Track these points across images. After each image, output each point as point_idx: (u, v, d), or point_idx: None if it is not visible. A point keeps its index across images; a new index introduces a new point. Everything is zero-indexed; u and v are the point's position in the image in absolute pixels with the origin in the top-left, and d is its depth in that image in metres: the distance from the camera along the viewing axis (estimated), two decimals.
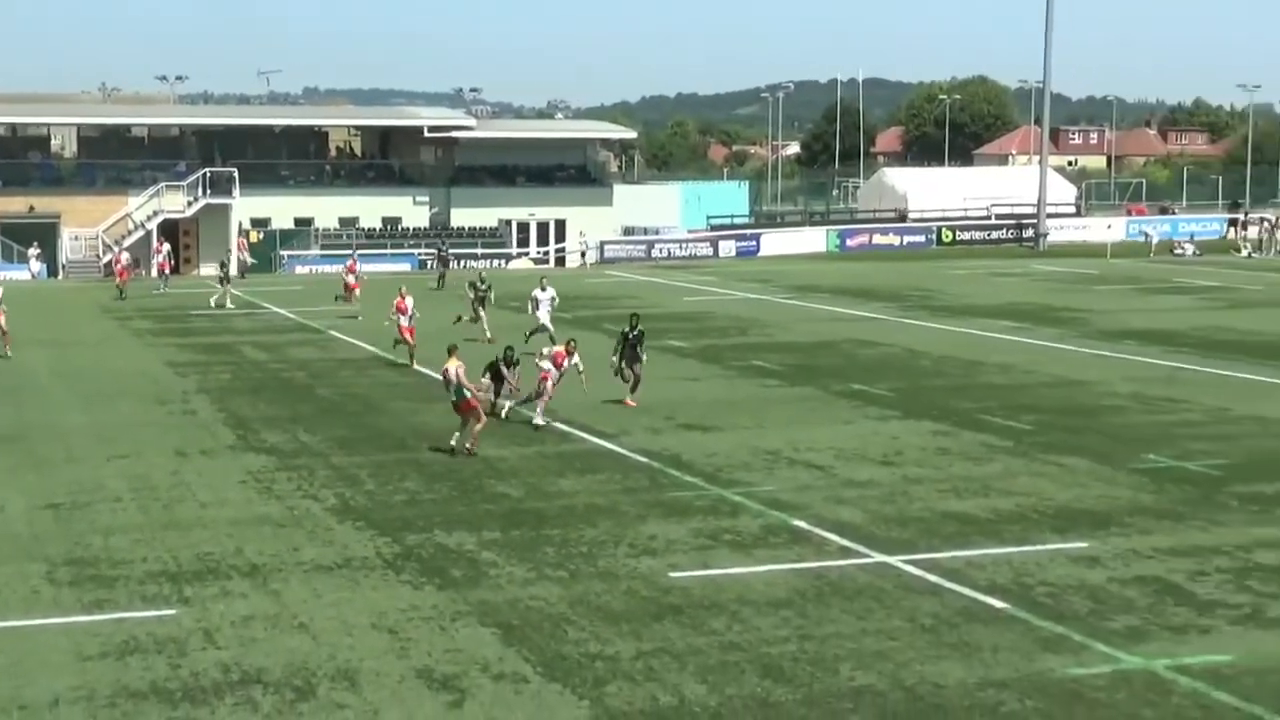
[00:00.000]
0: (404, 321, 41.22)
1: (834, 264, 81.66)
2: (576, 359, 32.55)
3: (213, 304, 58.65)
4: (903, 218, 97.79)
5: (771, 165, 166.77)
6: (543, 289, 43.82)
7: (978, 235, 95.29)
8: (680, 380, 38.34)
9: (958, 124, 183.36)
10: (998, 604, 19.22)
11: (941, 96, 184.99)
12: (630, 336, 34.51)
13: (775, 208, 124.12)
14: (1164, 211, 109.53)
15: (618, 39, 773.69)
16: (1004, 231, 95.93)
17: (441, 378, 29.26)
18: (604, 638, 17.98)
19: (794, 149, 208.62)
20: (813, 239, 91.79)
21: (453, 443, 28.71)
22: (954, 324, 51.25)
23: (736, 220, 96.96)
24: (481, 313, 46.20)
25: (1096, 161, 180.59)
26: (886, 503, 24.90)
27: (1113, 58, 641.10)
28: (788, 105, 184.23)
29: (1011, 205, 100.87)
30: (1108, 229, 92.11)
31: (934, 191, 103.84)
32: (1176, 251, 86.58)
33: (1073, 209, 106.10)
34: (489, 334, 44.58)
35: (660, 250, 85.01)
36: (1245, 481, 26.32)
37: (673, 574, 20.67)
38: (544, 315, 43.44)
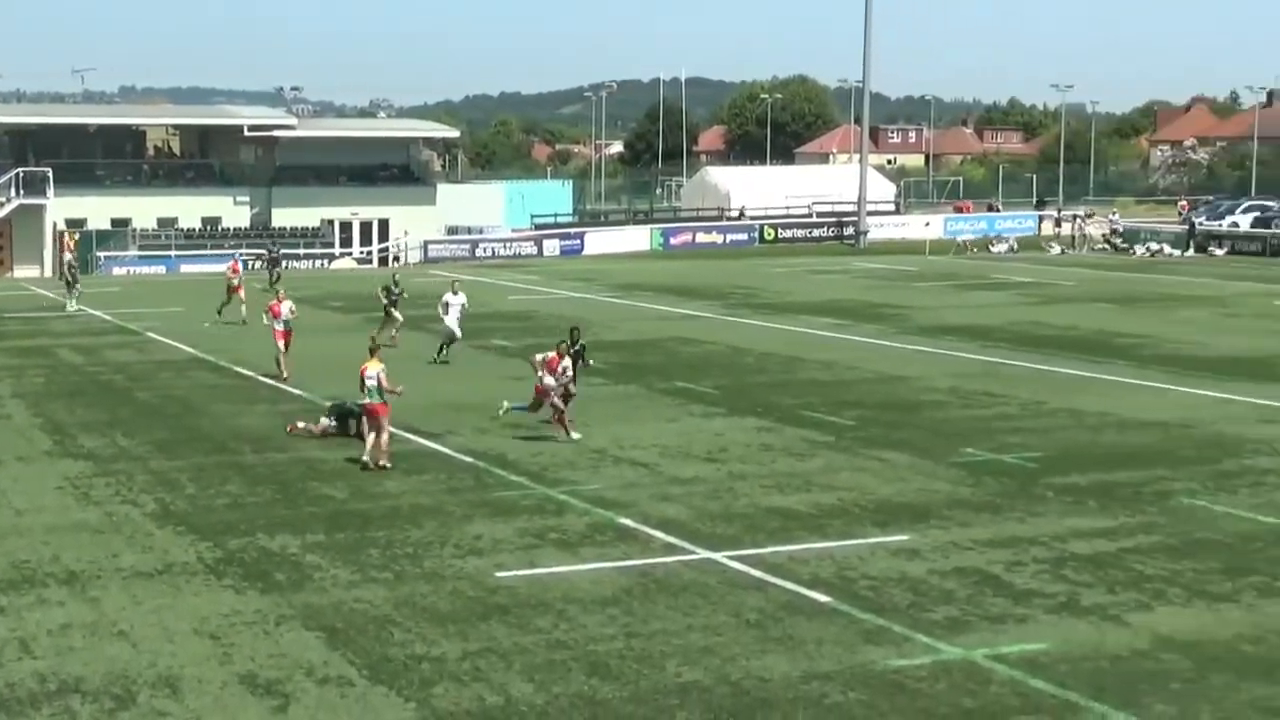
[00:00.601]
0: (278, 326, 38.99)
1: (658, 262, 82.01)
2: (567, 362, 30.19)
3: (70, 308, 57.47)
4: (742, 214, 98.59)
5: (595, 164, 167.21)
6: (454, 293, 41.74)
7: (800, 233, 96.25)
8: (506, 380, 38.20)
9: (779, 123, 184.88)
10: (821, 598, 19.43)
11: (763, 96, 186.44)
12: (572, 353, 30.99)
13: (599, 206, 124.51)
14: (990, 209, 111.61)
15: (441, 38, 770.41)
16: (825, 229, 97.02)
17: (359, 377, 27.73)
18: (430, 639, 17.88)
19: (617, 148, 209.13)
20: (636, 238, 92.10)
21: (365, 457, 27.48)
22: (776, 321, 51.71)
23: (560, 219, 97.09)
24: (395, 315, 44.94)
25: (915, 160, 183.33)
26: (711, 499, 25.05)
27: (930, 58, 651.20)
28: (611, 104, 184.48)
29: (832, 203, 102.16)
30: (926, 226, 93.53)
31: (756, 190, 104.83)
32: (994, 249, 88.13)
33: (892, 207, 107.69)
34: (395, 338, 43.51)
35: (484, 249, 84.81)
36: (1060, 473, 26.87)
37: (499, 574, 20.62)
38: (453, 322, 41.35)
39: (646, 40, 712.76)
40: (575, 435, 29.78)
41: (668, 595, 19.58)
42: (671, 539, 22.44)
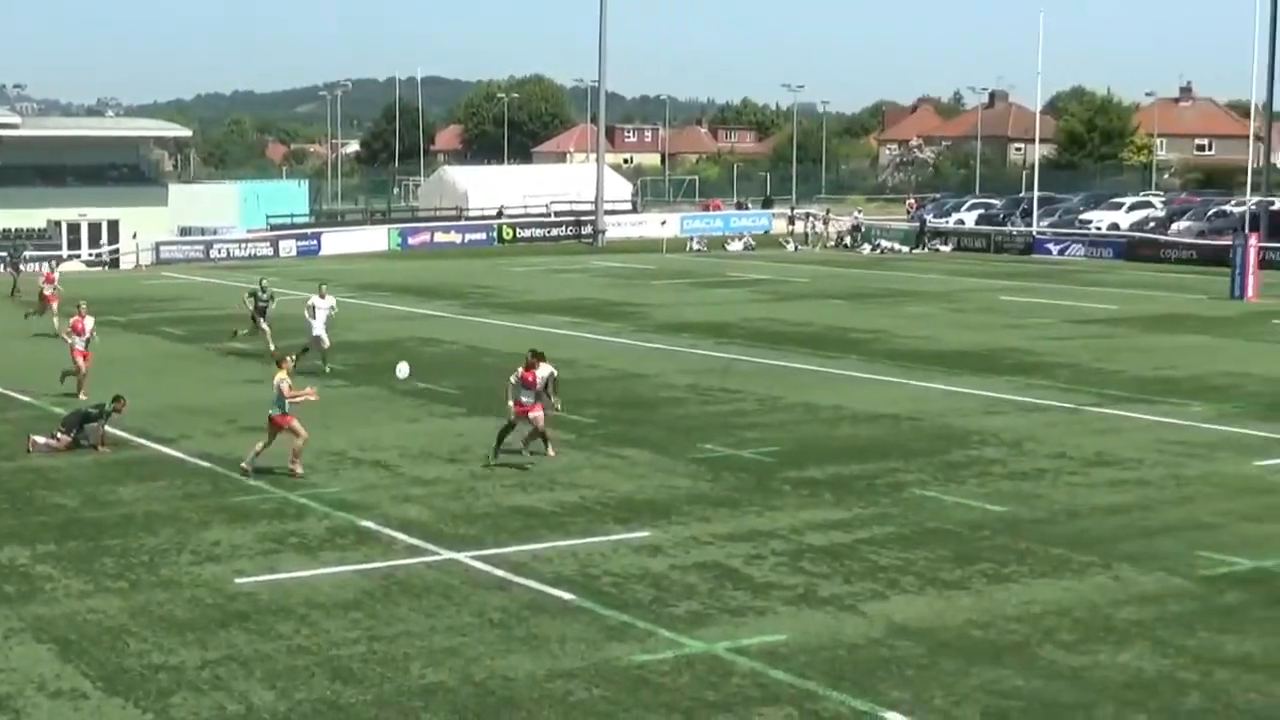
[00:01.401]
0: (79, 344, 35.87)
1: (396, 262, 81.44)
2: (547, 370, 28.02)
3: None
4: (500, 213, 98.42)
5: (331, 164, 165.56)
6: (321, 296, 39.97)
7: (538, 232, 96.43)
8: (242, 383, 37.62)
9: (516, 122, 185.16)
10: (565, 595, 19.49)
11: (500, 95, 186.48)
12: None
13: (336, 207, 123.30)
14: (740, 206, 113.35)
15: (170, 35, 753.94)
16: (564, 228, 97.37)
17: (275, 389, 26.39)
18: (167, 648, 17.52)
19: (354, 147, 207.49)
20: (374, 238, 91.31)
21: (245, 464, 26.63)
22: (516, 320, 51.74)
23: (297, 219, 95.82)
24: (262, 324, 42.68)
25: (651, 159, 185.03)
26: (454, 499, 24.97)
27: (665, 58, 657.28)
28: (346, 103, 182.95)
29: (570, 202, 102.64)
30: (662, 225, 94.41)
31: (494, 189, 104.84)
32: (730, 246, 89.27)
33: (630, 206, 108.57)
34: (273, 346, 41.69)
35: (219, 251, 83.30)
36: (797, 467, 27.34)
37: (238, 580, 20.28)
38: (319, 327, 39.47)
39: (381, 39, 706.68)
40: (552, 453, 27.74)
41: (410, 597, 19.46)
42: (414, 540, 22.32)
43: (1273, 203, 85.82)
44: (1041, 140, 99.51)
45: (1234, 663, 16.99)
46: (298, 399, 26.61)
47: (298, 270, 75.77)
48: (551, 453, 27.81)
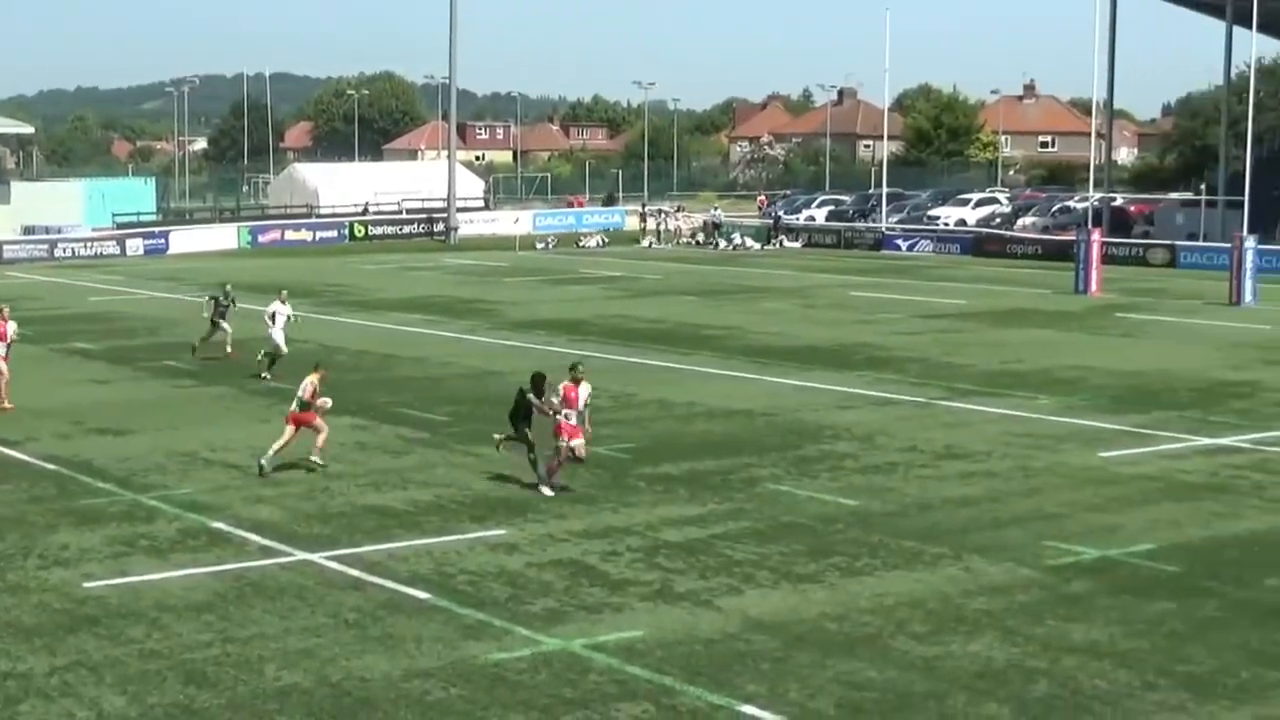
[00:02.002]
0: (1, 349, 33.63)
1: (246, 260, 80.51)
2: (588, 390, 25.65)
3: None
4: (366, 209, 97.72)
5: (179, 161, 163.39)
6: (282, 302, 38.90)
7: (390, 230, 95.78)
8: (88, 383, 37.07)
9: (366, 119, 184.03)
10: (420, 595, 19.41)
11: (350, 92, 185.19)
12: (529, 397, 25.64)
13: (184, 205, 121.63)
14: (610, 202, 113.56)
15: (10, 30, 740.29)
16: (415, 226, 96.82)
17: (310, 389, 26.68)
18: (15, 655, 17.20)
19: (201, 144, 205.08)
20: (224, 236, 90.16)
21: (263, 461, 26.46)
22: (369, 318, 51.41)
23: (144, 218, 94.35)
24: (223, 325, 41.50)
25: (503, 156, 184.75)
26: (306, 500, 24.76)
27: (516, 55, 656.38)
28: (194, 100, 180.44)
29: (423, 200, 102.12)
30: (515, 223, 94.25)
31: (345, 186, 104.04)
32: (583, 243, 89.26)
33: (482, 203, 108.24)
34: (230, 349, 40.64)
35: (64, 250, 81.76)
36: (652, 463, 27.44)
37: (87, 584, 19.96)
38: (279, 334, 38.35)
39: (229, 35, 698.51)
40: (548, 491, 25.03)
41: (264, 599, 19.27)
42: (267, 541, 22.10)
43: (1114, 199, 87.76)
44: (890, 137, 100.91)
45: (1081, 650, 17.31)
46: (316, 403, 26.81)
47: (145, 269, 74.70)
48: (547, 491, 24.92)
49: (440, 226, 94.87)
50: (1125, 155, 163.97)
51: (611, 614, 18.68)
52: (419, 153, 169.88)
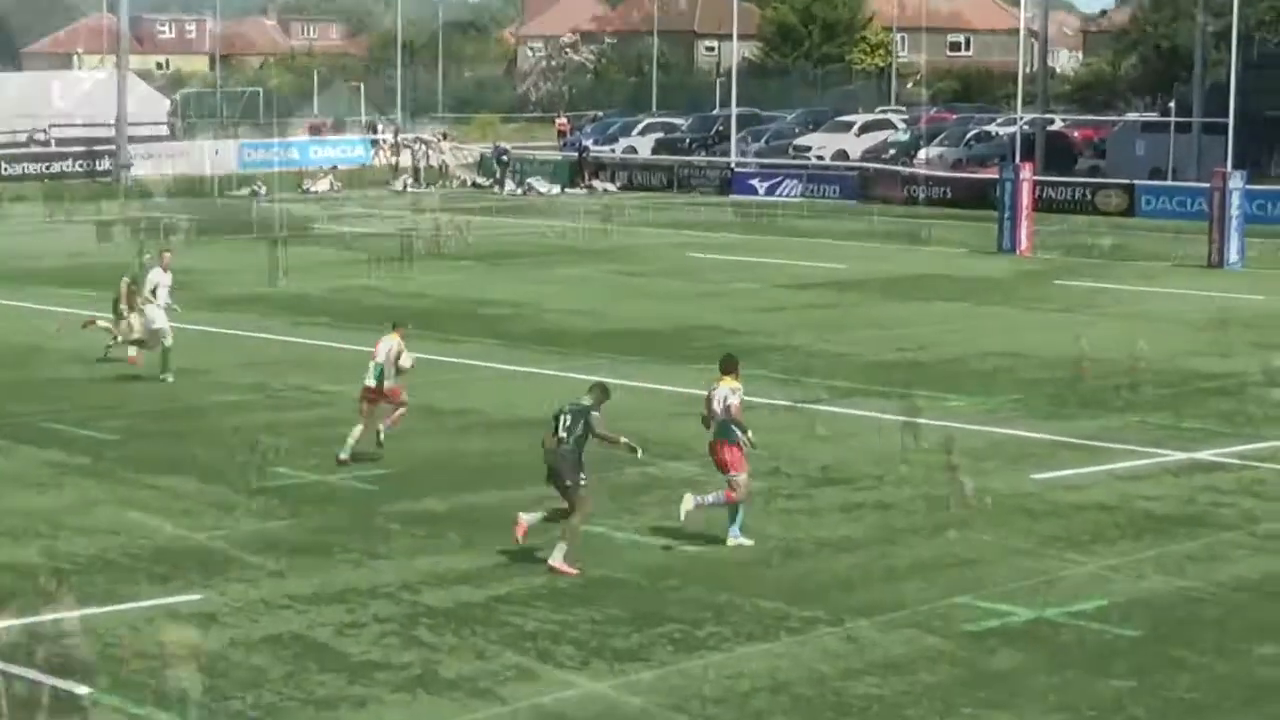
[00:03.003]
0: None
1: None
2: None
3: None
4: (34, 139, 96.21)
5: None
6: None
7: (32, 168, 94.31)
8: None
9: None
10: (78, 689, 19.12)
11: None
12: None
13: None
14: (374, 130, 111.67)
15: None
16: (70, 163, 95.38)
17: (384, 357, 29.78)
18: None
19: None
20: None
21: (380, 435, 29.33)
22: (6, 297, 50.59)
23: None
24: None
25: (198, 63, 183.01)
26: None
27: None
28: None
29: (81, 126, 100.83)
30: (215, 155, 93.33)
31: None
32: (310, 188, 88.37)
33: (166, 130, 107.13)
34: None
35: None
36: (410, 496, 27.36)
37: None
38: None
39: None
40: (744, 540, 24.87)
41: None
42: None
43: (1051, 120, 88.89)
44: (741, 37, 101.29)
45: None
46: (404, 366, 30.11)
47: None
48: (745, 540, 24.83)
49: (106, 164, 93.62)
50: (1066, 60, 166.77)
51: (351, 711, 18.55)
52: (74, 58, 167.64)
